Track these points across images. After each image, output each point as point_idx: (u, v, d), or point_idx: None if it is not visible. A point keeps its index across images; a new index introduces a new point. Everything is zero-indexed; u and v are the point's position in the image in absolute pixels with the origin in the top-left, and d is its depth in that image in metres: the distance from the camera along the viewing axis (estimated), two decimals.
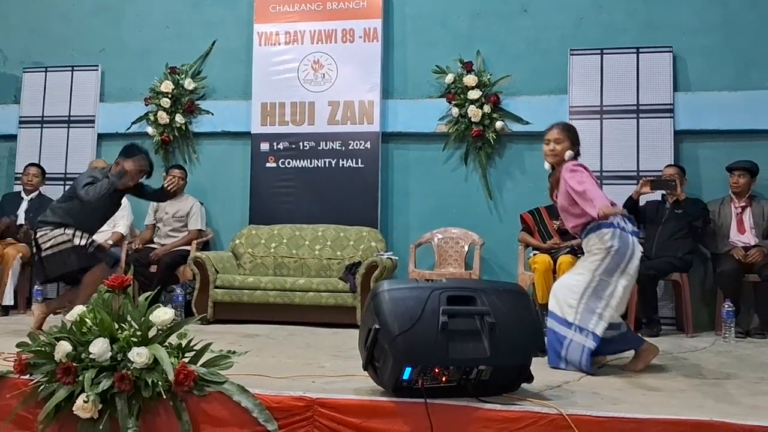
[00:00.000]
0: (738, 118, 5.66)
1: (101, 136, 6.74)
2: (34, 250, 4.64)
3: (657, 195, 5.47)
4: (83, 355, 2.81)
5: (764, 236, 5.27)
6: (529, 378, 2.81)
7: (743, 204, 5.36)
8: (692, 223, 5.26)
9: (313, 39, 6.32)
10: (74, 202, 4.62)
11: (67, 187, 6.57)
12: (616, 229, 3.53)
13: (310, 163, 6.23)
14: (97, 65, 6.76)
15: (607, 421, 2.52)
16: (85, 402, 2.71)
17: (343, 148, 6.16)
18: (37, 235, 4.59)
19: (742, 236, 5.31)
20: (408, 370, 2.64)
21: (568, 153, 3.75)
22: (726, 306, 4.76)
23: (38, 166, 6.40)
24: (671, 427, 2.47)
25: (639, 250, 3.62)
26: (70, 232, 4.56)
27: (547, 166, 3.85)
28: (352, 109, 6.19)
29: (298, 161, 6.25)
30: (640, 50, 5.81)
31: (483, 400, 2.67)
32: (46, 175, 6.44)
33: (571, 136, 3.79)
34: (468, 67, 6.03)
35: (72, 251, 4.53)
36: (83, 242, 4.57)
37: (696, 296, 5.40)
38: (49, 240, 4.54)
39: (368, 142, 6.16)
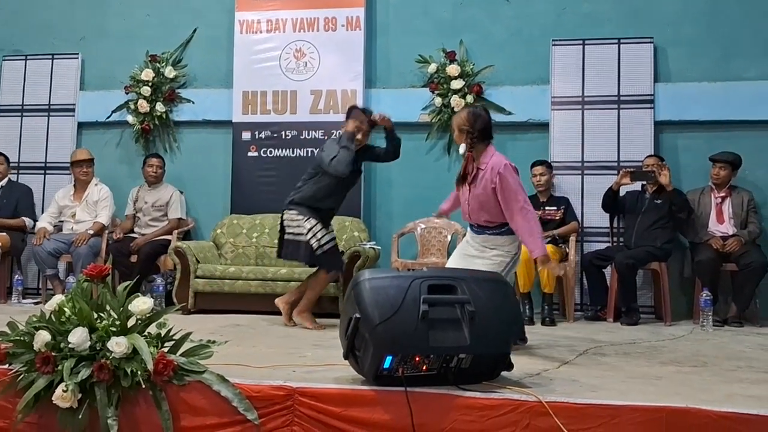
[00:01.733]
0: (718, 108, 5.70)
1: (81, 125, 6.67)
2: (279, 228, 4.77)
3: (637, 185, 5.52)
4: (62, 345, 2.79)
5: (742, 226, 5.34)
6: (509, 366, 2.82)
7: (723, 194, 5.42)
8: (677, 214, 5.30)
9: (295, 27, 6.28)
10: (323, 179, 4.64)
11: (49, 178, 6.55)
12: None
13: (293, 153, 6.21)
14: (78, 53, 6.68)
15: (585, 407, 2.54)
16: (64, 391, 2.70)
17: (326, 137, 6.12)
18: (284, 216, 4.70)
19: (720, 226, 5.37)
20: (388, 359, 2.65)
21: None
22: (704, 295, 4.82)
23: (1, 154, 6.32)
24: (648, 414, 2.49)
25: None
26: (308, 226, 4.58)
27: (462, 149, 3.78)
28: (334, 98, 6.17)
29: (280, 150, 6.23)
30: (622, 41, 5.84)
31: (463, 388, 2.68)
32: (23, 164, 6.36)
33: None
34: (451, 57, 6.03)
35: (305, 246, 4.57)
36: (315, 243, 4.55)
37: (674, 285, 5.46)
38: (291, 227, 4.64)
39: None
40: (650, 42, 5.79)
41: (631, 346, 4.04)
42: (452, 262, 3.88)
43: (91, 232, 5.82)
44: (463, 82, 5.94)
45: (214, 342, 2.93)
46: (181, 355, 2.83)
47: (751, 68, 5.73)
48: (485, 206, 3.72)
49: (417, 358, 2.68)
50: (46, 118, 6.66)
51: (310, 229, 4.58)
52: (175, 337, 2.88)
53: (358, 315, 2.68)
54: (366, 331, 2.66)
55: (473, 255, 3.80)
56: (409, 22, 6.26)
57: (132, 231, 6.08)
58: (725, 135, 5.69)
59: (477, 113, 3.80)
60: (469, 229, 3.93)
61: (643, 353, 3.81)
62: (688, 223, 5.40)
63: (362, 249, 5.35)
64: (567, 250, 5.41)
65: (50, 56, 6.71)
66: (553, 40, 5.93)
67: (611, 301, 5.26)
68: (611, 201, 5.48)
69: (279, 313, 4.80)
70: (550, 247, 5.15)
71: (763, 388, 2.90)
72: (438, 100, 6.01)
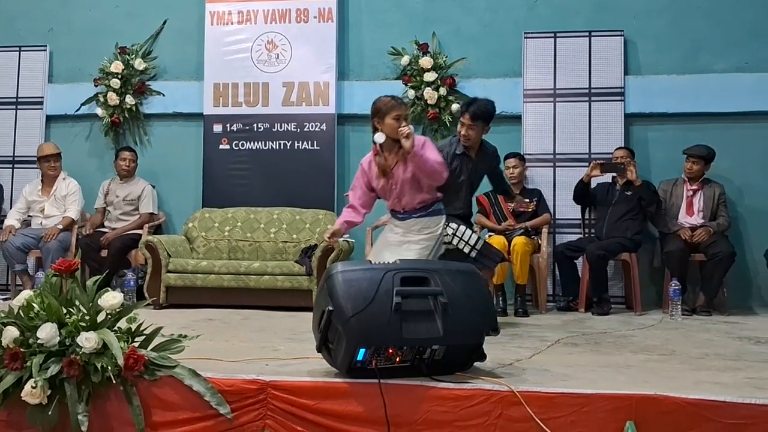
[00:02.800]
0: (686, 101, 5.78)
1: (50, 118, 6.56)
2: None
3: (608, 177, 5.57)
4: (31, 341, 2.74)
5: (711, 218, 5.42)
6: (482, 357, 2.84)
7: (695, 187, 5.49)
8: (646, 208, 5.37)
9: (267, 18, 6.23)
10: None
11: (17, 172, 6.43)
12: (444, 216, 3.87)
13: (265, 145, 6.17)
14: (45, 45, 6.56)
15: (556, 396, 2.57)
16: (33, 388, 2.65)
17: (298, 130, 6.11)
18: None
19: (690, 218, 5.45)
20: (362, 351, 2.65)
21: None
22: (673, 285, 4.90)
23: None
24: (618, 402, 2.53)
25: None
26: (450, 232, 4.21)
27: (381, 138, 3.67)
28: (307, 91, 6.14)
29: (252, 143, 6.18)
30: (593, 34, 5.88)
31: (436, 379, 2.69)
32: None
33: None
34: (424, 49, 6.03)
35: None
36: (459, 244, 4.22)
37: (644, 275, 5.53)
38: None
39: (324, 124, 6.12)
40: (620, 35, 5.84)
41: (602, 336, 4.09)
42: (376, 255, 3.76)
43: (61, 227, 5.73)
44: (436, 75, 5.95)
45: (185, 336, 2.90)
46: (152, 349, 2.80)
47: (718, 61, 5.82)
48: (420, 183, 3.70)
49: (390, 350, 2.68)
50: (14, 111, 6.54)
51: (453, 235, 4.23)
52: (146, 332, 2.85)
53: (331, 308, 2.68)
54: (339, 323, 2.65)
55: (398, 242, 3.77)
56: (382, 13, 6.24)
57: (102, 225, 6.01)
58: (694, 127, 5.77)
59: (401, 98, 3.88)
60: (390, 218, 3.91)
61: (614, 342, 3.86)
62: (658, 214, 5.47)
63: (336, 242, 5.33)
64: (539, 241, 5.45)
65: (17, 48, 6.58)
66: (525, 33, 5.96)
67: (583, 292, 5.31)
68: (582, 193, 5.54)
69: (253, 307, 4.76)
70: (522, 239, 5.21)
71: (730, 376, 2.96)
72: (411, 93, 6.01)
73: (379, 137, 3.67)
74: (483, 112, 4.31)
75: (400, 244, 3.75)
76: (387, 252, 3.68)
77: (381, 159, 3.73)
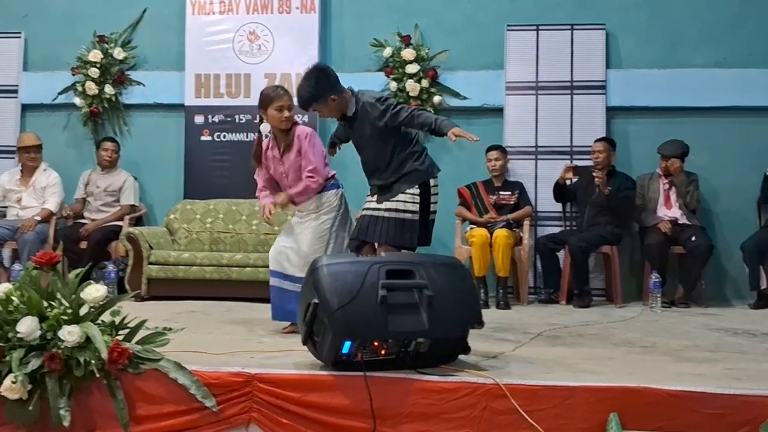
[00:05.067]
0: (665, 95, 5.83)
1: (25, 107, 6.44)
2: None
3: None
4: (10, 335, 2.71)
5: (684, 200, 5.43)
6: (466, 350, 2.86)
7: (670, 180, 5.55)
8: (617, 213, 5.41)
9: (249, 9, 6.17)
10: None
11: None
12: (341, 189, 3.96)
13: (247, 137, 6.11)
14: (20, 32, 6.44)
15: (541, 389, 2.59)
16: (13, 383, 2.62)
17: None
18: None
19: (668, 211, 5.50)
20: (347, 344, 2.65)
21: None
22: (653, 277, 4.96)
23: None
24: (602, 394, 2.56)
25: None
26: None
27: (266, 129, 3.91)
28: (289, 82, 6.08)
29: (233, 134, 6.13)
30: (575, 27, 5.91)
31: (421, 371, 2.70)
32: None
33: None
34: (406, 41, 6.01)
35: None
36: None
37: (624, 268, 5.58)
38: None
39: (305, 116, 6.07)
40: (602, 28, 5.88)
41: (584, 328, 4.14)
42: (283, 240, 3.95)
43: (38, 218, 5.65)
44: (418, 67, 5.94)
45: (170, 329, 2.88)
46: (136, 343, 2.78)
47: (696, 56, 5.88)
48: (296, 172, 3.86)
49: (376, 343, 2.69)
50: None
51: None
52: (130, 325, 2.83)
53: (316, 300, 2.68)
54: (325, 316, 2.65)
55: (297, 223, 3.92)
56: (364, 4, 6.21)
57: (81, 216, 5.93)
58: (674, 121, 5.83)
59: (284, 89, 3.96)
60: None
61: (596, 335, 3.90)
62: (631, 215, 5.53)
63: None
64: (521, 234, 5.48)
65: None
66: (507, 26, 5.97)
67: (564, 284, 5.35)
68: (560, 192, 5.61)
69: (235, 299, 4.73)
70: (504, 231, 5.23)
71: (709, 367, 3.01)
72: (393, 85, 6.00)
73: (264, 128, 3.91)
74: (313, 95, 3.73)
75: (299, 225, 3.90)
76: (284, 235, 3.97)
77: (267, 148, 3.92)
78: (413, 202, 3.63)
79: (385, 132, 3.65)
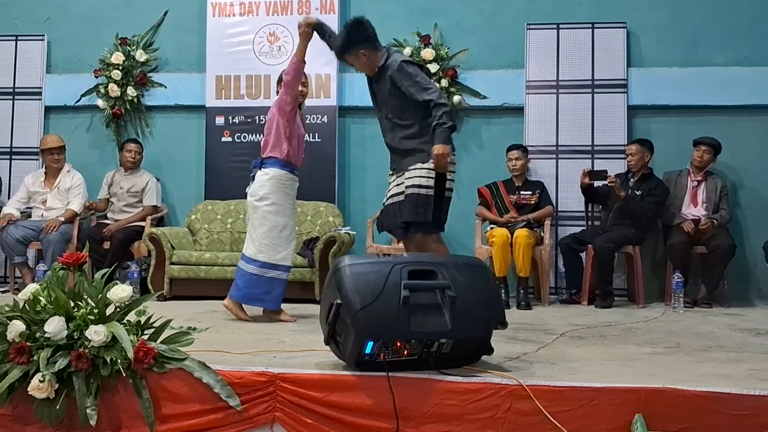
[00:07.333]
0: (687, 93, 5.79)
1: (49, 109, 6.52)
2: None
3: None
4: (38, 335, 2.74)
5: (714, 211, 5.43)
6: (489, 350, 2.85)
7: (699, 178, 5.51)
8: (631, 214, 5.35)
9: (269, 10, 6.20)
10: None
11: (15, 163, 6.40)
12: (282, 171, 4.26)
13: None
14: (43, 35, 6.52)
15: (565, 390, 2.58)
16: (40, 382, 2.65)
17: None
18: None
19: (694, 209, 5.46)
20: (370, 344, 2.65)
21: None
22: (675, 277, 4.92)
23: None
24: (627, 395, 2.54)
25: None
26: None
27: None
28: (308, 83, 6.10)
29: (254, 135, 6.16)
30: (596, 25, 5.88)
31: (444, 372, 2.69)
32: None
33: None
34: (425, 41, 6.01)
35: None
36: None
37: (647, 268, 5.55)
38: None
39: (325, 117, 6.11)
40: (623, 27, 5.84)
41: (606, 329, 4.11)
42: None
43: (62, 218, 5.71)
44: (438, 66, 5.93)
45: (194, 329, 2.90)
46: (161, 342, 2.79)
47: (718, 54, 5.83)
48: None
49: (398, 344, 2.68)
50: (11, 101, 6.50)
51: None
52: (155, 325, 2.85)
53: (339, 301, 2.68)
54: (347, 316, 2.65)
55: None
56: (384, 5, 6.21)
57: (105, 216, 5.99)
58: (695, 119, 5.79)
59: None
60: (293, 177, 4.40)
61: (619, 335, 3.87)
62: (660, 211, 5.47)
63: (337, 234, 5.34)
64: (542, 234, 5.46)
65: (14, 37, 6.53)
66: (527, 24, 5.95)
67: (586, 284, 5.32)
68: (588, 195, 5.56)
69: None
70: (524, 231, 5.22)
71: (733, 368, 2.98)
72: None
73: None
74: (342, 44, 3.81)
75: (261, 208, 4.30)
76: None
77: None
78: (428, 177, 3.59)
79: (403, 96, 3.63)
